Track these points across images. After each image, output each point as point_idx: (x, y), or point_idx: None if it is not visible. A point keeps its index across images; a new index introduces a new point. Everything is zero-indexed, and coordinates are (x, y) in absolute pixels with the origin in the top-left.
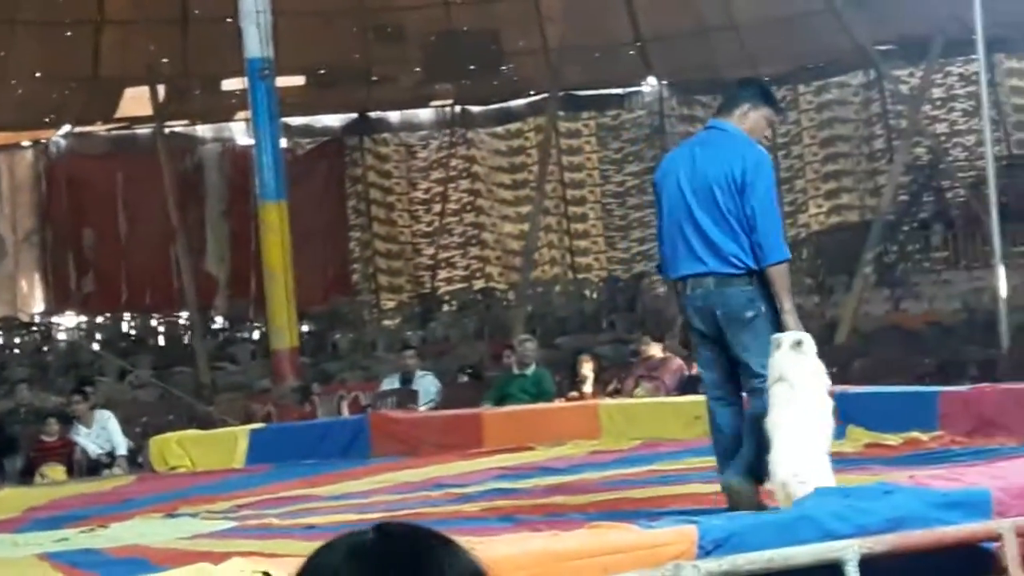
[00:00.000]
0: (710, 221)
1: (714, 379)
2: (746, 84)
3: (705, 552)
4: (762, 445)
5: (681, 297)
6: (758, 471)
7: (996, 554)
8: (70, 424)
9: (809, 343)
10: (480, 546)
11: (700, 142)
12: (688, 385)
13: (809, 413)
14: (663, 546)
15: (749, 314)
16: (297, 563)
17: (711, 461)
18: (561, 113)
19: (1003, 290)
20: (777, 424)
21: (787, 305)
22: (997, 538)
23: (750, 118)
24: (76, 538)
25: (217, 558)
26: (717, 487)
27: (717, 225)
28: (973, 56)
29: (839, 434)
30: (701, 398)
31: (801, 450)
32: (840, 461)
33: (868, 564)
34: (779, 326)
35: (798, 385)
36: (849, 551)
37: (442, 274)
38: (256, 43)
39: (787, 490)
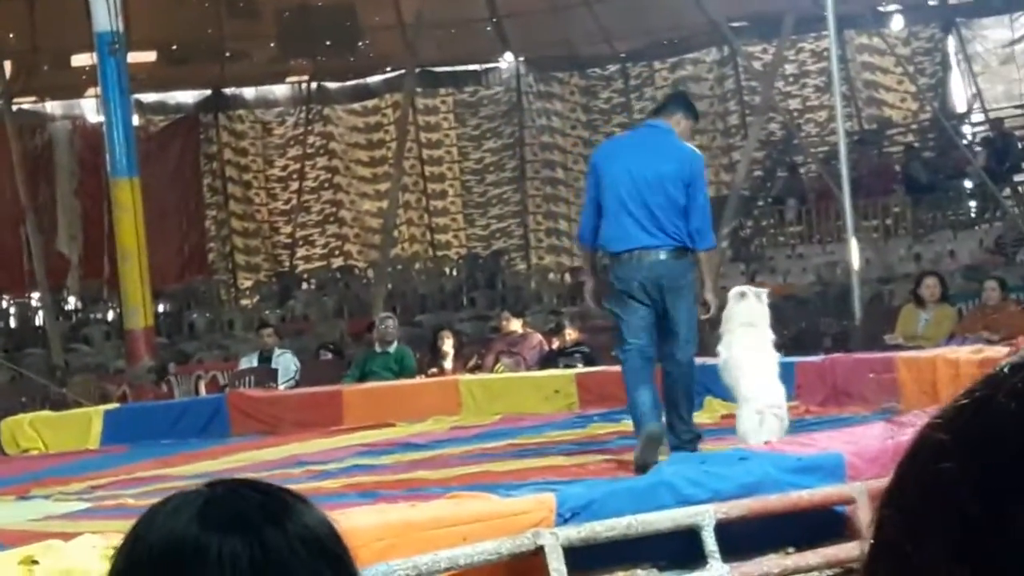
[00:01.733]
0: (660, 205)
1: (645, 338)
2: (679, 97)
3: (564, 520)
4: (691, 392)
5: (620, 265)
6: (682, 415)
7: (849, 517)
8: None
9: (762, 294)
10: (340, 518)
11: (647, 137)
12: (548, 360)
13: (774, 354)
14: (522, 514)
15: (685, 282)
16: None
17: (571, 434)
18: (418, 90)
19: (855, 263)
20: (746, 362)
21: (709, 282)
22: (850, 501)
23: (682, 125)
24: None
25: (69, 538)
26: (577, 460)
27: (664, 210)
28: (824, 32)
29: (697, 406)
30: (560, 372)
31: (773, 384)
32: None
33: (724, 528)
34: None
35: (764, 329)
36: (706, 516)
37: (300, 252)
38: (105, 16)
39: (763, 420)
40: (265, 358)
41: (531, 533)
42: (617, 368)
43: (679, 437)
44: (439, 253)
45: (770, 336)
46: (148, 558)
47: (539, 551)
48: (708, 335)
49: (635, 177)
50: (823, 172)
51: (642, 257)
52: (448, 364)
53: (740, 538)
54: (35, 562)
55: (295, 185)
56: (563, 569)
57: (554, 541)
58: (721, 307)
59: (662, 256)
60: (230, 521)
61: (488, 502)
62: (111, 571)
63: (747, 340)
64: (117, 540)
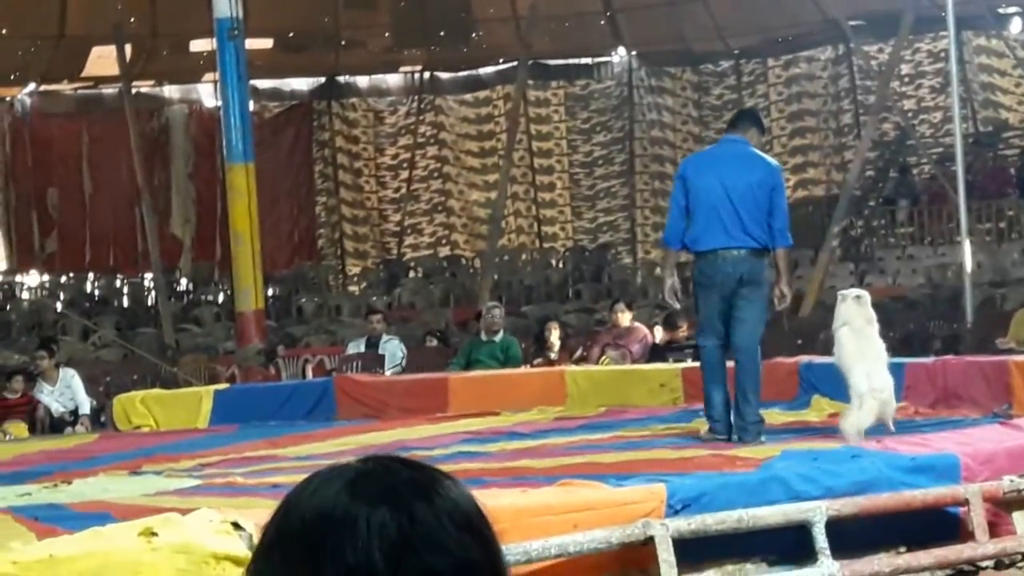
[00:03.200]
0: (747, 210)
1: (721, 333)
2: (749, 113)
3: (674, 511)
4: (757, 377)
5: (707, 263)
6: (749, 398)
7: (962, 519)
8: (34, 382)
9: (866, 297)
10: None
11: (731, 150)
12: (654, 353)
13: (882, 351)
14: (632, 504)
15: (761, 279)
16: (262, 518)
17: (676, 428)
18: (530, 82)
19: (968, 265)
20: (849, 355)
21: (785, 277)
22: (964, 503)
23: (755, 140)
24: (39, 493)
25: (184, 513)
26: (683, 453)
27: (751, 214)
28: (943, 33)
29: (804, 404)
30: (666, 366)
31: (881, 373)
32: (805, 430)
33: (835, 526)
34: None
35: (872, 328)
36: (817, 512)
37: (408, 240)
38: (225, 3)
39: (863, 402)
40: (372, 344)
41: (642, 523)
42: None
43: (744, 419)
44: (546, 245)
45: (867, 331)
46: (299, 528)
47: (649, 541)
48: (782, 331)
49: (726, 186)
50: (937, 173)
51: (727, 256)
52: (554, 355)
53: (851, 536)
54: (154, 534)
55: (405, 174)
56: (672, 560)
57: (665, 532)
58: (796, 298)
59: (744, 254)
60: (380, 494)
61: (599, 491)
62: (261, 542)
63: (856, 339)
64: (233, 516)
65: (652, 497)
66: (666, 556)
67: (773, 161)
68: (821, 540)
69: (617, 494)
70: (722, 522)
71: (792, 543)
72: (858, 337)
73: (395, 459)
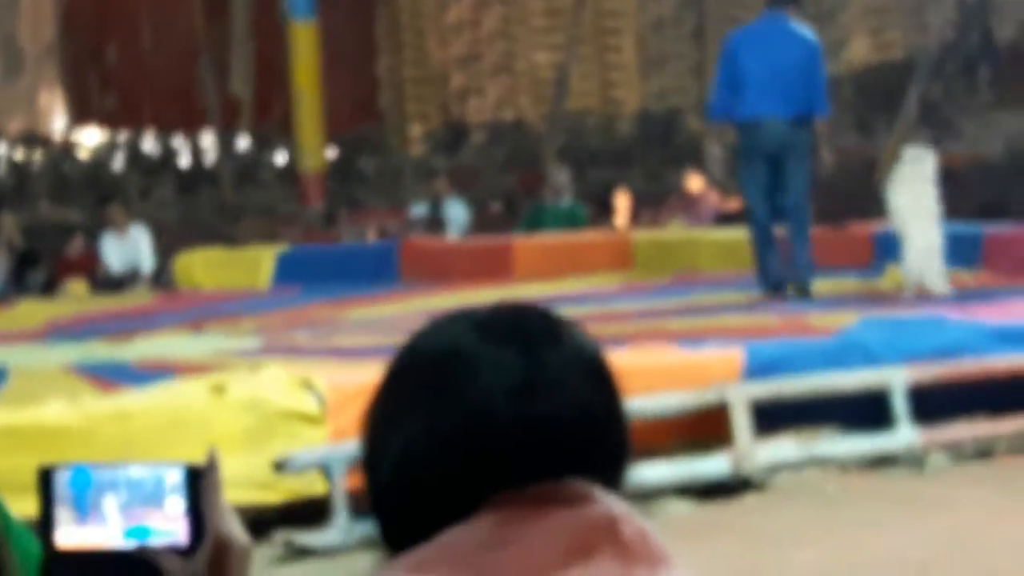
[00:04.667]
0: (792, 81)
1: (767, 203)
2: None
3: (751, 375)
4: (806, 227)
5: (752, 132)
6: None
7: None
8: (94, 240)
9: (923, 155)
10: None
11: (774, 25)
12: (722, 220)
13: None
14: (708, 367)
15: (804, 145)
16: (332, 377)
17: (748, 296)
18: None
19: None
20: (910, 211)
21: (826, 144)
22: None
23: (793, 13)
24: (101, 350)
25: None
26: (756, 320)
27: (794, 85)
28: None
29: (878, 272)
30: (735, 233)
31: (933, 229)
32: (881, 299)
33: (917, 394)
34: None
35: (927, 186)
36: (897, 378)
37: (472, 102)
38: None
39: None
40: (435, 207)
41: (717, 387)
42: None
43: (798, 263)
44: (613, 109)
45: (932, 193)
46: (422, 365)
47: (724, 405)
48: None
49: (769, 60)
50: (1019, 35)
51: (770, 126)
52: (621, 220)
53: (932, 403)
54: (224, 390)
55: (469, 34)
56: (747, 425)
57: (741, 396)
58: (870, 164)
59: (788, 123)
60: (508, 335)
61: (676, 352)
62: (382, 380)
63: (912, 195)
64: (303, 374)
65: (728, 361)
66: (741, 421)
67: (812, 36)
68: (901, 407)
69: (693, 356)
70: (798, 387)
71: (871, 410)
72: (912, 194)
73: (524, 305)
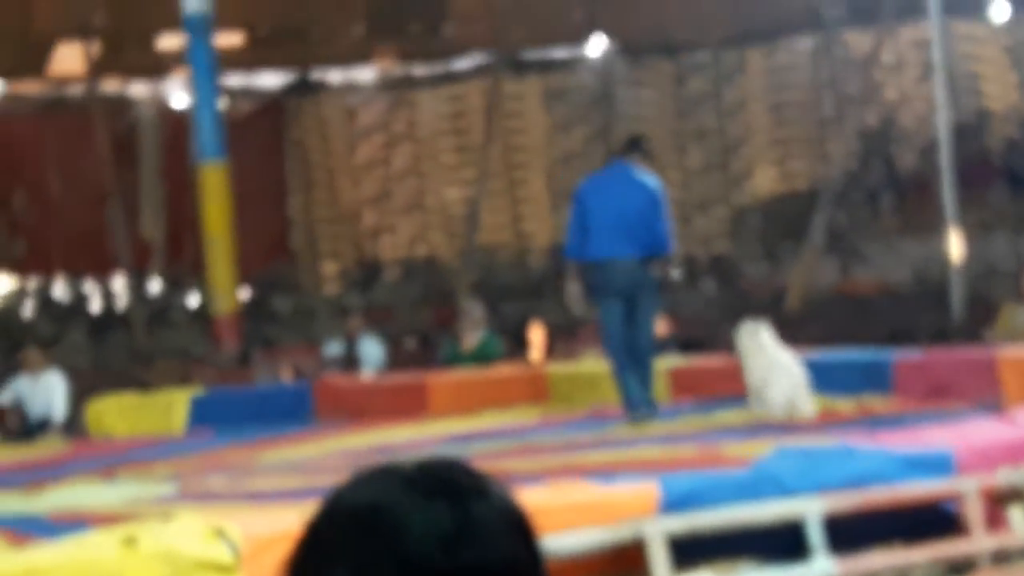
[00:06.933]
0: (634, 224)
1: (623, 330)
2: (632, 141)
3: (666, 509)
4: (650, 364)
5: (604, 271)
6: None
7: (958, 513)
8: (2, 386)
9: (755, 328)
10: None
11: (617, 174)
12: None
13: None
14: (624, 502)
15: (652, 282)
16: (247, 525)
17: (662, 427)
18: (506, 75)
19: (955, 257)
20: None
21: (664, 268)
22: (959, 497)
23: (638, 164)
24: (12, 503)
25: (163, 521)
26: (669, 452)
27: (637, 227)
28: (925, 20)
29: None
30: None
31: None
32: (791, 428)
33: (831, 523)
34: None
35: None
36: (812, 509)
37: (384, 239)
38: None
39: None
40: (350, 344)
41: (633, 523)
42: (711, 361)
43: (641, 399)
44: (524, 242)
45: (774, 348)
46: (350, 515)
47: (641, 542)
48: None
49: (614, 205)
50: (921, 164)
51: (620, 264)
52: (535, 354)
53: (846, 533)
54: (135, 542)
55: (380, 172)
56: (665, 561)
57: (658, 531)
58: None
59: (634, 263)
60: (437, 488)
61: (590, 490)
62: (304, 536)
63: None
64: (216, 522)
65: (644, 496)
66: (659, 556)
67: (653, 182)
68: (816, 537)
69: (608, 493)
70: (715, 520)
71: (787, 541)
72: (764, 360)
73: (449, 460)
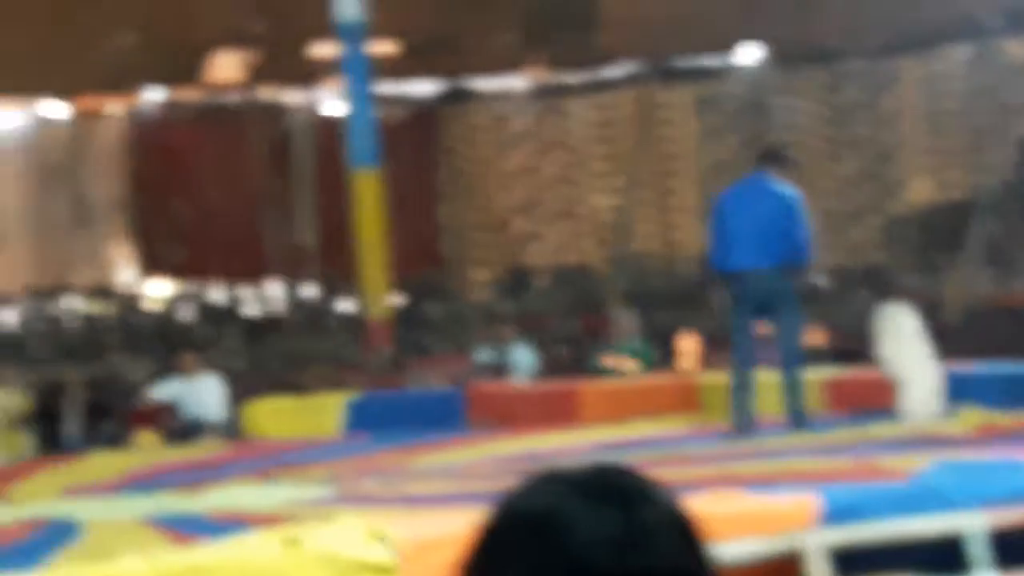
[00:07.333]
0: (770, 234)
1: (751, 343)
2: (771, 153)
3: (827, 522)
4: (798, 374)
5: (739, 282)
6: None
7: None
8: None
9: (899, 310)
10: None
11: (753, 185)
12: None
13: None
14: (783, 515)
15: (789, 293)
16: (405, 528)
17: (816, 439)
18: (657, 83)
19: None
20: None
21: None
22: None
23: (776, 174)
24: (174, 502)
25: (320, 522)
26: (824, 464)
27: (772, 238)
28: None
29: (951, 413)
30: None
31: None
32: (953, 441)
33: (996, 539)
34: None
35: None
36: (976, 523)
37: (534, 247)
38: (351, 6)
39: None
40: (501, 351)
41: (792, 535)
42: (867, 373)
43: (788, 409)
44: (675, 251)
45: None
46: (523, 520)
47: (799, 554)
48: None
49: (750, 215)
50: None
51: (755, 275)
52: (686, 363)
53: (1011, 548)
54: (297, 542)
55: (530, 180)
56: (825, 573)
57: (818, 543)
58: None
59: (768, 273)
60: (607, 494)
61: (748, 500)
62: (478, 541)
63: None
64: (377, 525)
65: (803, 508)
66: (819, 569)
67: (789, 191)
68: (979, 552)
69: (767, 504)
70: (878, 533)
71: (947, 555)
72: (906, 347)
73: (615, 466)
